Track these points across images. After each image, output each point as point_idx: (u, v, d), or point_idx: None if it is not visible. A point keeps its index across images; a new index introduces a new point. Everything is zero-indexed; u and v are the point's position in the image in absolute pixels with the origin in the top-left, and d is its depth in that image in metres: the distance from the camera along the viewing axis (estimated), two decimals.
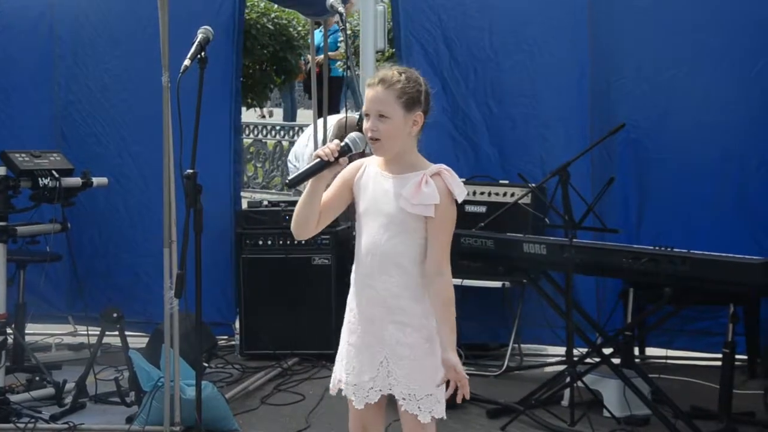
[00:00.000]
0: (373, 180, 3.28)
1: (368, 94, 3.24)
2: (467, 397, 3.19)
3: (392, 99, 3.20)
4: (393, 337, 3.24)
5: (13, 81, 6.71)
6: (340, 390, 3.39)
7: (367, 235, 3.26)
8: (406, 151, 3.25)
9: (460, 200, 3.20)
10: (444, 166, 3.24)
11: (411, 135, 3.24)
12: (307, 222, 3.29)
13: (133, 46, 6.43)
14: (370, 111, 3.23)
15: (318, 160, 3.22)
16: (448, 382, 3.17)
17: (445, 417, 3.29)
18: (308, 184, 3.27)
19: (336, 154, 3.21)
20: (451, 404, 5.29)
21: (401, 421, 3.31)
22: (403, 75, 3.23)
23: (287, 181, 3.38)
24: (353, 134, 3.28)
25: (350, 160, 3.34)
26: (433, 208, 3.17)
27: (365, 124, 3.24)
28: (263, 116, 17.76)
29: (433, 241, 3.19)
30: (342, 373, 3.36)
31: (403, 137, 3.22)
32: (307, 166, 3.26)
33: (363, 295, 3.29)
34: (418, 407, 3.23)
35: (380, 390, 3.28)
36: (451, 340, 3.16)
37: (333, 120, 7.18)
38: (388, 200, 3.23)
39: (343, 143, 3.24)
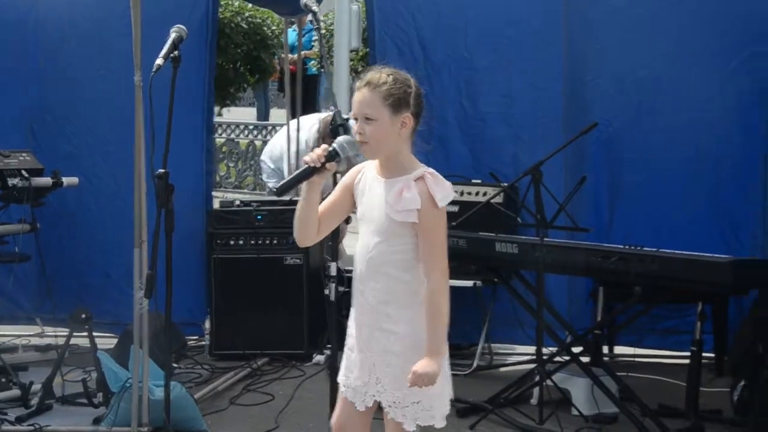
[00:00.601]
0: (369, 185, 3.26)
1: (356, 96, 3.22)
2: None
3: (378, 101, 3.17)
4: (379, 344, 3.23)
5: None
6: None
7: (360, 241, 3.26)
8: (398, 153, 3.21)
9: (441, 205, 3.14)
10: (429, 169, 3.20)
11: (401, 137, 3.19)
12: (306, 229, 3.28)
13: (105, 45, 6.39)
14: (357, 114, 3.20)
15: (305, 166, 3.20)
16: None
17: (438, 425, 3.24)
18: (301, 191, 3.25)
19: (323, 160, 3.18)
20: None
21: (385, 427, 3.29)
22: (390, 76, 3.20)
23: (275, 189, 3.34)
24: (341, 138, 3.24)
25: (345, 165, 3.32)
26: (415, 213, 3.13)
27: (355, 127, 3.22)
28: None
29: (422, 246, 3.16)
30: (341, 376, 3.36)
31: (392, 139, 3.18)
32: (295, 173, 3.25)
33: (355, 301, 3.29)
34: (404, 415, 3.21)
35: (373, 395, 3.27)
36: (434, 345, 3.12)
37: (309, 119, 7.16)
38: (379, 206, 3.21)
39: (330, 148, 3.21)
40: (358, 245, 3.27)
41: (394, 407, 3.21)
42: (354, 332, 3.31)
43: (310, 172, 3.19)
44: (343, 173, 3.40)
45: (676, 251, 4.78)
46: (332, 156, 3.19)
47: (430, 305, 3.13)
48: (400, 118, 3.18)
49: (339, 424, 3.40)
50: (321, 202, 3.32)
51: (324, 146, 3.21)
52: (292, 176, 3.25)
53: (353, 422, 3.36)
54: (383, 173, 3.23)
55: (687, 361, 5.11)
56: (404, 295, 3.19)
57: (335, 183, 3.50)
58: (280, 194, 3.31)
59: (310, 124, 7.02)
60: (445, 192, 3.15)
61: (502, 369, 6.11)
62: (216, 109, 16.97)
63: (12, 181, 5.48)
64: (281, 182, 3.29)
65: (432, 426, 3.25)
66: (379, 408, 3.30)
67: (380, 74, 3.20)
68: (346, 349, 3.36)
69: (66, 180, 5.80)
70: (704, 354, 5.10)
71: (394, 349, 3.19)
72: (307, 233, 3.28)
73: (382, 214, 3.19)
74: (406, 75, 3.24)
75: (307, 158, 3.19)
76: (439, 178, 3.17)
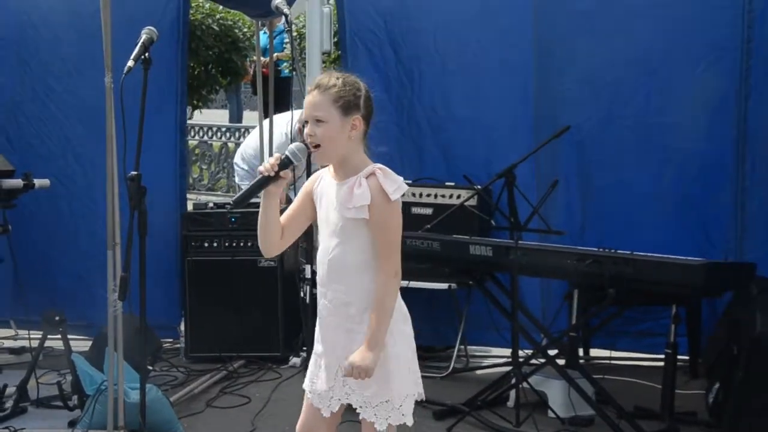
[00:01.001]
0: (326, 191, 3.30)
1: (306, 100, 3.27)
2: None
3: (328, 103, 3.21)
4: (345, 345, 3.24)
5: None
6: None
7: (321, 245, 3.29)
8: (350, 156, 3.25)
9: (394, 198, 3.18)
10: (379, 165, 3.24)
11: (351, 139, 3.24)
12: (268, 238, 3.30)
13: (76, 46, 6.36)
14: (308, 116, 3.24)
15: (260, 176, 3.22)
16: None
17: (409, 422, 3.27)
18: (261, 202, 3.26)
19: (276, 168, 3.21)
20: None
21: (362, 428, 3.30)
22: (340, 79, 3.25)
23: (232, 201, 3.37)
24: (293, 146, 3.28)
25: (293, 172, 3.34)
26: (366, 209, 3.16)
27: (305, 130, 3.25)
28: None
29: (374, 242, 3.20)
30: (307, 381, 3.38)
31: (343, 141, 3.22)
32: (250, 184, 3.26)
33: (320, 304, 3.32)
34: (375, 414, 3.23)
35: (339, 399, 3.28)
36: (374, 339, 3.15)
37: (283, 116, 7.14)
38: (332, 208, 3.25)
39: (283, 156, 3.24)
40: (319, 250, 3.30)
41: (365, 407, 3.23)
42: (320, 336, 3.33)
43: (264, 182, 3.22)
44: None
45: (650, 254, 4.81)
46: (285, 164, 3.23)
47: (377, 300, 3.18)
48: (350, 120, 3.23)
49: (305, 428, 3.41)
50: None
51: (276, 155, 3.25)
52: (246, 188, 3.27)
53: (319, 428, 3.38)
54: (337, 177, 3.27)
55: (662, 363, 5.14)
56: (365, 296, 3.22)
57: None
58: (235, 206, 3.33)
59: (285, 121, 7.01)
60: (396, 185, 3.19)
61: (479, 371, 6.13)
62: (188, 111, 16.92)
63: None
64: (237, 194, 3.31)
65: (405, 425, 3.28)
66: (353, 410, 3.31)
67: (330, 77, 3.25)
68: (314, 355, 3.38)
69: (37, 182, 5.76)
70: (679, 356, 5.13)
71: (357, 348, 3.20)
72: (270, 242, 3.32)
73: (336, 215, 3.22)
74: (356, 78, 3.30)
75: (261, 168, 3.23)
76: (390, 173, 3.21)
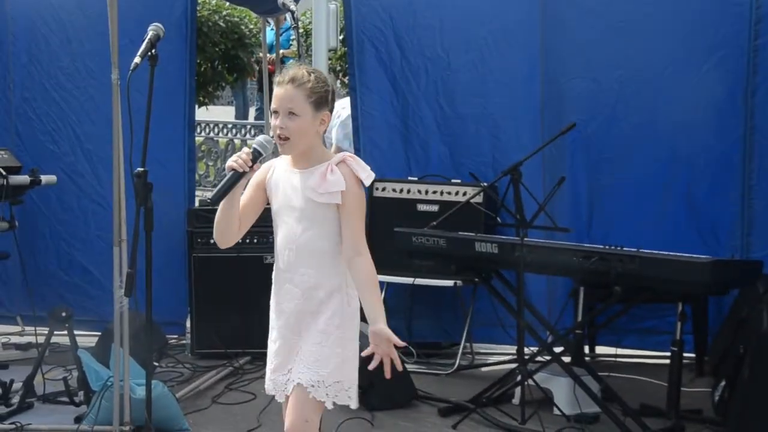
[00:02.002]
0: (283, 178, 3.35)
1: (277, 92, 3.30)
2: (399, 368, 3.23)
3: (302, 98, 3.27)
4: (308, 326, 3.31)
5: None
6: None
7: (283, 231, 3.33)
8: (313, 147, 3.33)
9: (367, 183, 3.29)
10: (348, 154, 3.35)
11: (318, 133, 3.33)
12: (228, 230, 3.36)
13: (86, 44, 6.37)
14: (279, 109, 3.28)
15: (233, 172, 3.27)
16: (372, 356, 3.21)
17: (353, 405, 3.34)
18: None
19: (249, 163, 3.27)
20: (402, 403, 5.37)
21: (289, 406, 3.33)
22: (313, 75, 3.31)
23: (209, 199, 3.42)
24: (260, 138, 3.35)
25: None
26: (339, 194, 3.25)
27: (273, 122, 3.29)
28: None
29: (346, 226, 3.27)
30: (269, 382, 3.42)
31: (311, 135, 3.30)
32: (224, 181, 3.30)
33: (282, 290, 3.37)
34: (326, 394, 3.28)
35: (293, 380, 3.31)
36: (380, 312, 3.22)
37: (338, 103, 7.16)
38: (297, 194, 3.30)
39: (252, 149, 3.30)
40: (279, 237, 3.34)
41: (317, 386, 3.28)
42: (276, 324, 3.38)
43: (238, 177, 3.28)
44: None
45: (656, 251, 4.81)
46: (256, 157, 3.30)
47: (367, 280, 3.25)
48: (320, 115, 3.31)
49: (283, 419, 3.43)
50: None
51: (246, 150, 3.31)
52: (222, 184, 3.30)
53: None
54: (299, 165, 3.33)
55: (668, 361, 5.13)
56: (332, 278, 3.30)
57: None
58: (214, 203, 3.35)
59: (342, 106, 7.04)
60: (367, 173, 3.30)
61: (484, 369, 6.13)
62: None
63: None
64: (214, 192, 3.34)
65: (347, 406, 3.35)
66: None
67: (302, 72, 3.31)
68: (271, 344, 3.41)
69: (44, 178, 5.77)
70: (685, 354, 5.13)
71: (320, 328, 3.28)
72: (230, 233, 3.37)
73: (303, 201, 3.28)
74: (325, 74, 3.38)
75: (233, 164, 3.27)
76: (360, 161, 3.32)
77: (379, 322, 3.21)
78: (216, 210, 5.67)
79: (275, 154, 3.41)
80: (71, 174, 6.45)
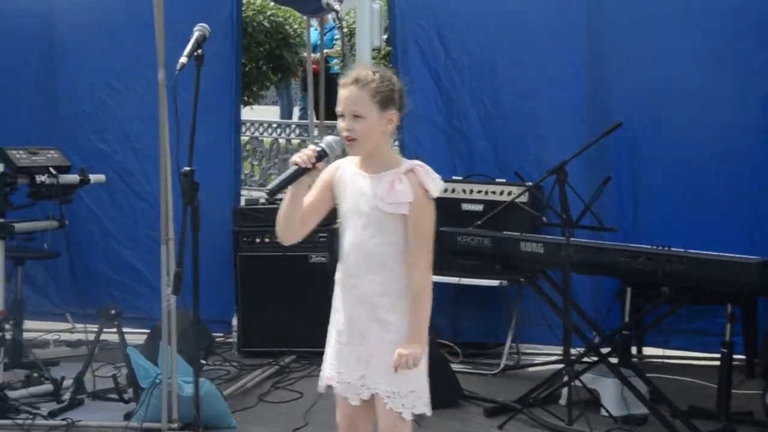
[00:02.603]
0: (351, 180, 3.31)
1: (342, 93, 3.26)
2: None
3: (367, 98, 3.22)
4: (376, 335, 3.27)
5: (17, 79, 6.74)
6: (329, 387, 3.41)
7: (350, 235, 3.29)
8: (381, 149, 3.28)
9: (434, 195, 3.22)
10: (418, 162, 3.27)
11: (386, 134, 3.27)
12: (289, 227, 3.32)
13: (135, 44, 6.41)
14: (344, 111, 3.24)
15: (295, 167, 3.23)
16: None
17: (428, 413, 3.31)
18: (289, 189, 3.28)
19: (313, 160, 3.22)
20: (449, 403, 5.35)
21: (378, 417, 3.32)
22: (377, 74, 3.26)
23: (266, 191, 3.38)
24: (328, 138, 3.29)
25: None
26: (407, 205, 3.20)
27: (340, 124, 3.25)
28: None
29: (410, 237, 3.22)
30: (332, 372, 3.38)
31: (378, 136, 3.25)
32: (285, 174, 3.27)
33: (348, 294, 3.33)
34: (402, 404, 3.26)
35: (369, 388, 3.30)
36: (417, 333, 3.19)
37: None
38: (366, 200, 3.25)
39: (319, 148, 3.25)
40: (346, 241, 3.30)
41: (393, 397, 3.26)
42: (344, 327, 3.34)
43: (300, 173, 3.23)
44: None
45: (704, 252, 4.76)
46: (321, 156, 3.24)
47: (415, 295, 3.21)
48: (387, 115, 3.25)
49: (345, 421, 3.42)
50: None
51: (312, 147, 3.26)
52: (282, 178, 3.27)
53: (359, 416, 3.39)
54: (368, 168, 3.28)
55: (717, 362, 5.09)
56: (399, 286, 3.25)
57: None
58: (271, 195, 3.33)
59: None
60: (436, 183, 3.23)
61: (530, 369, 6.11)
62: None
63: (40, 179, 5.51)
64: (272, 184, 3.32)
65: (424, 414, 3.32)
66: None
67: (367, 72, 3.26)
68: (331, 345, 3.39)
69: (93, 177, 5.83)
70: (734, 356, 5.07)
71: (391, 339, 3.24)
72: (292, 230, 3.33)
73: (371, 208, 3.24)
74: (391, 73, 3.31)
75: (297, 159, 3.23)
76: (429, 170, 3.25)
77: (412, 344, 3.18)
78: (269, 205, 5.68)
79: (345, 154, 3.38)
80: (121, 173, 6.54)
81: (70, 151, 6.17)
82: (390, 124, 3.26)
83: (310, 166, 3.22)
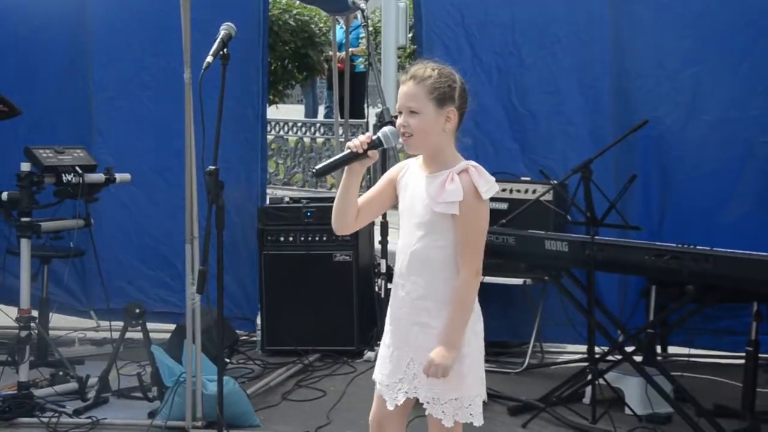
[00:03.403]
0: (412, 181, 3.28)
1: (401, 90, 3.24)
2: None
3: (423, 94, 3.18)
4: (417, 338, 3.23)
5: (49, 77, 6.76)
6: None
7: (403, 235, 3.28)
8: (442, 148, 3.23)
9: (486, 197, 3.17)
10: (472, 162, 3.21)
11: (445, 132, 3.21)
12: (343, 215, 3.30)
13: (169, 42, 6.42)
14: (401, 107, 3.22)
15: (347, 151, 3.22)
16: None
17: (476, 423, 3.25)
18: (342, 177, 3.27)
19: (365, 147, 3.21)
20: None
21: (428, 424, 3.29)
22: (436, 71, 3.22)
23: (315, 170, 3.35)
24: (386, 128, 3.26)
25: (384, 155, 3.34)
26: (456, 205, 3.14)
27: (398, 120, 3.23)
28: None
29: (459, 239, 3.17)
30: (377, 371, 3.37)
31: (436, 133, 3.20)
32: (336, 157, 3.26)
33: (394, 295, 3.31)
34: (442, 411, 3.21)
35: (407, 392, 3.27)
36: (449, 339, 3.14)
37: None
38: (421, 200, 3.22)
39: (374, 136, 3.24)
40: (400, 240, 3.28)
41: (432, 403, 3.22)
42: (391, 328, 3.32)
43: (351, 158, 3.22)
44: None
45: (730, 250, 4.72)
46: (375, 144, 3.23)
47: (457, 299, 3.16)
48: (444, 112, 3.20)
49: (376, 419, 3.41)
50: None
51: (368, 134, 3.25)
52: (332, 160, 3.26)
53: (389, 418, 3.37)
54: (426, 168, 3.25)
55: (742, 361, 5.05)
56: (444, 291, 3.20)
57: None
58: (318, 175, 3.34)
59: None
60: (489, 185, 3.17)
61: (554, 367, 6.10)
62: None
63: (66, 177, 5.54)
64: (321, 164, 3.31)
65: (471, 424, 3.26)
66: (421, 406, 3.30)
67: (425, 68, 3.22)
68: (383, 346, 3.37)
69: (119, 176, 5.86)
70: (760, 354, 5.04)
71: (432, 344, 3.19)
72: (344, 220, 3.31)
73: (424, 207, 3.20)
74: (451, 69, 3.26)
75: (350, 144, 3.23)
76: (483, 171, 3.19)
77: (448, 347, 3.13)
78: (294, 204, 5.65)
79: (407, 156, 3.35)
80: (159, 170, 6.55)
81: (102, 149, 6.19)
82: (448, 122, 3.20)
83: (361, 151, 3.20)
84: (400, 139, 3.24)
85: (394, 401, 3.29)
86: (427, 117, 3.18)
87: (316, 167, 3.33)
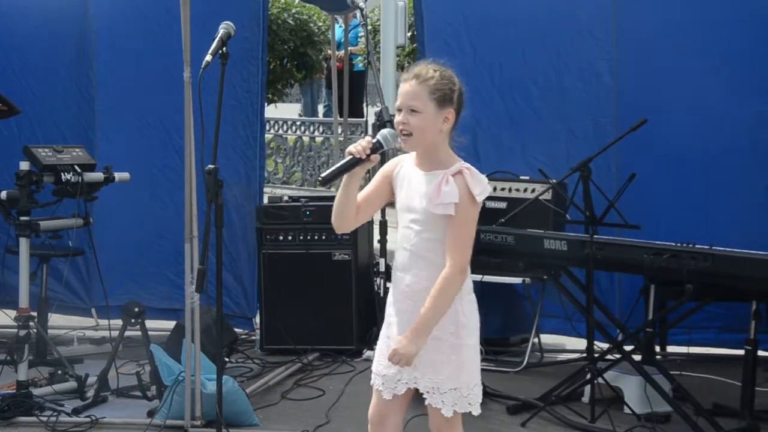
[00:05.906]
0: (408, 176, 3.35)
1: (402, 88, 3.31)
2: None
3: (425, 94, 3.26)
4: None
5: (53, 77, 6.76)
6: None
7: (401, 230, 3.34)
8: (437, 147, 3.31)
9: (480, 199, 3.24)
10: (466, 165, 3.28)
11: (442, 132, 3.30)
12: (343, 215, 3.37)
13: (173, 41, 6.42)
14: (402, 105, 3.29)
15: (350, 157, 3.28)
16: None
17: (475, 412, 3.31)
18: (342, 179, 3.33)
19: (368, 152, 3.27)
20: None
21: (428, 414, 3.34)
22: (438, 72, 3.29)
23: (320, 178, 3.44)
24: (385, 131, 3.34)
25: (382, 156, 3.39)
26: (453, 206, 3.22)
27: (397, 118, 3.29)
28: None
29: (449, 236, 3.24)
30: (375, 363, 3.41)
31: (434, 133, 3.28)
32: (339, 163, 3.31)
33: (395, 289, 3.37)
34: (442, 401, 3.27)
35: (407, 383, 3.32)
36: (418, 328, 3.19)
37: None
38: (418, 197, 3.29)
39: (374, 140, 3.30)
40: (399, 234, 3.35)
41: (432, 393, 3.28)
42: (392, 320, 3.36)
43: (354, 163, 3.28)
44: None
45: (729, 249, 4.73)
46: (376, 148, 3.29)
47: (437, 292, 3.21)
48: (443, 113, 3.28)
49: (375, 413, 3.44)
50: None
51: (368, 138, 3.31)
52: (336, 166, 3.32)
53: (388, 414, 3.40)
54: (422, 166, 3.32)
55: (741, 360, 5.05)
56: None
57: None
58: (324, 183, 3.39)
59: None
60: (482, 187, 3.25)
61: (553, 366, 6.09)
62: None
63: (65, 176, 5.54)
64: (326, 172, 3.36)
65: (469, 414, 3.31)
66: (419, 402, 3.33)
67: (428, 68, 3.29)
68: (382, 338, 3.41)
69: (117, 175, 5.85)
70: (759, 353, 5.04)
71: (437, 335, 3.25)
72: (345, 220, 3.39)
73: (422, 204, 3.28)
74: (452, 72, 3.34)
75: (352, 149, 3.28)
76: (476, 173, 3.26)
77: (414, 336, 3.18)
78: (293, 203, 5.65)
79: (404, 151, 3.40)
80: (163, 168, 6.55)
81: (106, 147, 6.18)
82: (446, 122, 3.29)
83: (364, 156, 3.27)
84: (399, 138, 3.29)
85: (392, 391, 3.34)
86: (427, 116, 3.26)
87: (322, 175, 3.41)
